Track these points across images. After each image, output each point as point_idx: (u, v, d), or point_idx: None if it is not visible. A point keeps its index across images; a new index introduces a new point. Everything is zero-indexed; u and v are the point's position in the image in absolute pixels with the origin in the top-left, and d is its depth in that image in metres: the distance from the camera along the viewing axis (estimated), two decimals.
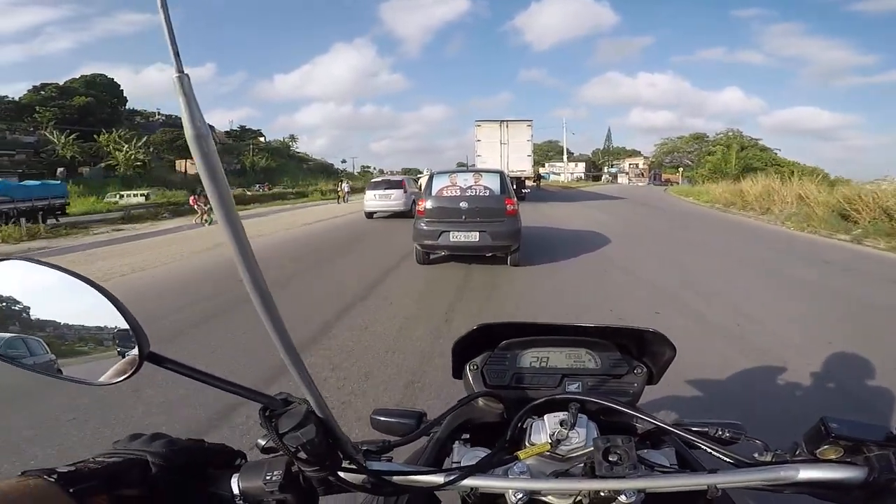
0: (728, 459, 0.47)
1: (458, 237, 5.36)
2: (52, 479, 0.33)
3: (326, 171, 39.92)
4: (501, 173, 5.86)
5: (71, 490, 0.32)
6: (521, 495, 0.44)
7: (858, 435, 0.41)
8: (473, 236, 5.32)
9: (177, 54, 0.24)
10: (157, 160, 35.21)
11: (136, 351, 0.35)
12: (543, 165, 50.86)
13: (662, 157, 53.58)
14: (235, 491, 0.43)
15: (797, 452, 0.45)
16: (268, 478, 0.42)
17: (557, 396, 0.54)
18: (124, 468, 0.38)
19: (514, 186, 19.34)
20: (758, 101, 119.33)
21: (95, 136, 32.24)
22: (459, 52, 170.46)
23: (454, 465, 0.50)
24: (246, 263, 0.27)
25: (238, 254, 0.27)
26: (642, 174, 52.75)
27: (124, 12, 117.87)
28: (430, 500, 0.54)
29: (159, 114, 47.53)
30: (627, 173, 53.90)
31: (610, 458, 0.44)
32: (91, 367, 0.37)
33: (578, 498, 0.45)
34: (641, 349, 0.64)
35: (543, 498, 0.47)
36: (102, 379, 0.37)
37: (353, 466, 0.42)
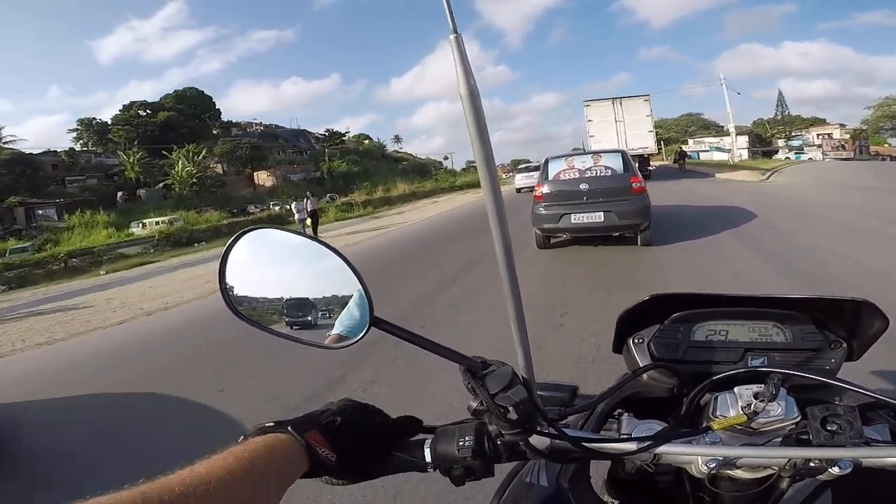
0: None
1: (581, 219, 6.52)
2: (272, 424, 0.47)
3: (421, 171, 43.82)
4: (623, 152, 7.00)
5: (288, 427, 0.47)
6: (714, 463, 0.51)
7: None
8: (598, 216, 6.44)
9: (451, 15, 0.32)
10: (232, 174, 38.67)
11: (367, 314, 0.47)
12: (686, 142, 47.08)
13: (880, 122, 46.18)
14: (428, 458, 0.55)
15: None
16: (460, 443, 0.53)
17: (756, 368, 0.63)
18: (328, 411, 0.52)
19: (637, 165, 20.69)
20: None
21: (165, 152, 34.89)
22: (564, 38, 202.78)
23: (625, 436, 0.60)
24: (497, 210, 0.38)
25: (491, 200, 0.37)
26: (842, 146, 46.59)
27: (255, 30, 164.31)
28: (583, 473, 0.66)
29: (257, 124, 55.49)
30: (820, 146, 47.66)
31: (828, 428, 0.51)
32: (321, 331, 0.50)
33: (771, 470, 0.53)
34: (841, 321, 0.69)
35: (730, 472, 0.55)
36: (333, 342, 0.50)
37: (548, 430, 0.51)
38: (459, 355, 0.49)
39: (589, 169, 6.78)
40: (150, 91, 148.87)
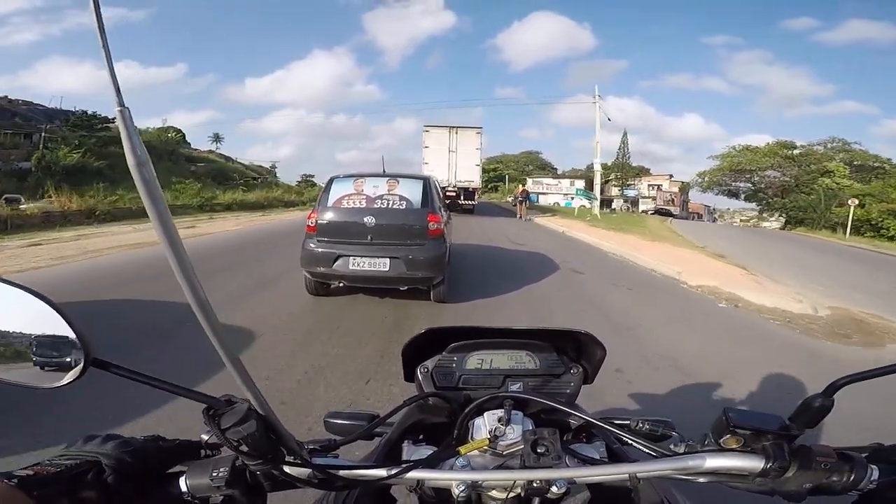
0: (647, 451, 0.71)
1: (361, 264, 5.76)
2: (13, 483, 0.47)
3: (222, 177, 39.98)
4: (426, 180, 6.46)
5: (34, 494, 0.47)
6: (462, 487, 0.64)
7: (756, 425, 0.62)
8: (382, 264, 5.75)
9: (118, 90, 0.38)
10: None
11: (81, 357, 0.52)
12: (525, 182, 46.13)
13: (717, 176, 49.75)
14: (184, 488, 0.61)
15: (706, 443, 0.67)
16: (214, 474, 0.60)
17: (497, 395, 0.79)
18: (81, 471, 0.54)
19: (462, 198, 21.07)
20: (716, 128, 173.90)
21: None
22: (437, 66, 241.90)
23: (371, 463, 0.70)
24: (184, 272, 0.44)
25: (176, 264, 0.44)
26: (672, 200, 53.50)
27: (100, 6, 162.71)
28: (383, 498, 0.78)
29: None
30: (654, 198, 54.31)
31: (538, 450, 0.66)
32: (36, 373, 0.55)
33: (517, 491, 0.66)
34: (577, 350, 0.94)
35: (487, 492, 0.68)
36: (48, 384, 0.54)
37: (298, 461, 0.61)
38: (198, 394, 0.57)
39: (380, 197, 6.07)
40: None
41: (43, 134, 34.23)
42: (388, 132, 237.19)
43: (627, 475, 0.64)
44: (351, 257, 5.83)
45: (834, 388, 0.62)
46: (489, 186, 59.07)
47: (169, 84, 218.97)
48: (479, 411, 0.77)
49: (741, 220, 50.62)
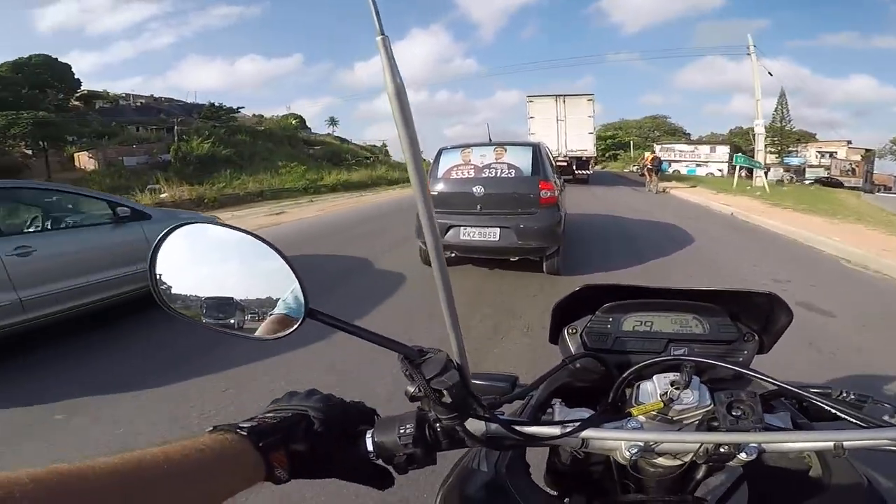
0: (854, 420, 0.64)
1: (472, 234, 5.79)
2: (244, 434, 0.54)
3: (336, 158, 41.87)
4: (535, 147, 6.26)
5: (260, 444, 0.54)
6: (635, 449, 0.63)
7: None
8: (491, 234, 5.73)
9: (378, 18, 0.41)
10: (41, 155, 33.32)
11: (301, 307, 0.56)
12: (653, 149, 37.67)
13: None
14: (370, 447, 0.64)
15: None
16: (401, 431, 0.63)
17: (675, 357, 0.75)
18: (294, 422, 0.60)
19: (575, 167, 20.18)
20: (893, 91, 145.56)
21: None
22: (536, 35, 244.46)
23: (554, 421, 0.71)
24: (427, 210, 0.48)
25: (421, 200, 0.47)
26: (853, 170, 46.59)
27: (217, 6, 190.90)
28: (521, 461, 0.79)
29: (133, 97, 52.73)
30: (828, 167, 47.56)
31: (733, 413, 0.63)
32: (258, 323, 0.58)
33: (689, 457, 0.65)
34: (753, 315, 0.85)
35: (652, 458, 0.68)
36: (268, 335, 0.58)
37: (486, 416, 0.63)
38: (397, 343, 0.59)
39: (488, 167, 6.04)
40: (89, 63, 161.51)
41: (176, 127, 37.42)
42: (489, 106, 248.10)
43: (833, 444, 0.59)
44: (462, 227, 5.88)
45: None
46: (606, 155, 56.13)
47: (289, 75, 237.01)
48: (640, 376, 0.73)
49: None
